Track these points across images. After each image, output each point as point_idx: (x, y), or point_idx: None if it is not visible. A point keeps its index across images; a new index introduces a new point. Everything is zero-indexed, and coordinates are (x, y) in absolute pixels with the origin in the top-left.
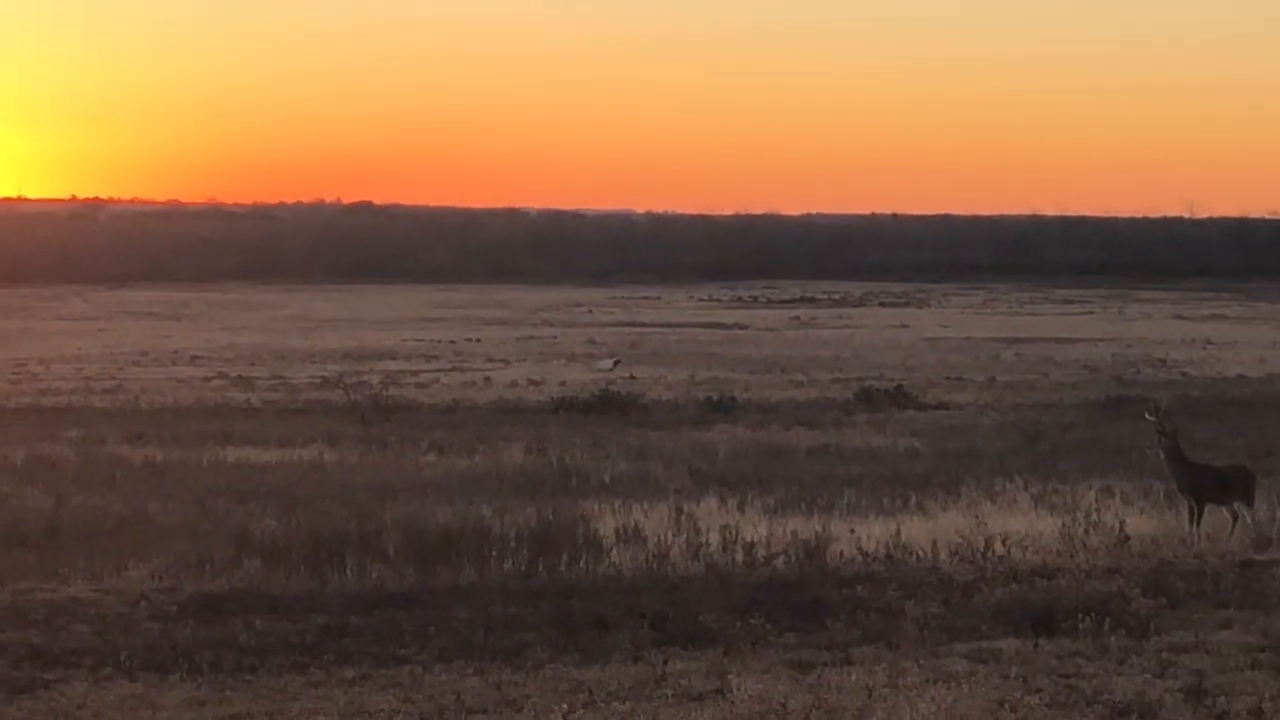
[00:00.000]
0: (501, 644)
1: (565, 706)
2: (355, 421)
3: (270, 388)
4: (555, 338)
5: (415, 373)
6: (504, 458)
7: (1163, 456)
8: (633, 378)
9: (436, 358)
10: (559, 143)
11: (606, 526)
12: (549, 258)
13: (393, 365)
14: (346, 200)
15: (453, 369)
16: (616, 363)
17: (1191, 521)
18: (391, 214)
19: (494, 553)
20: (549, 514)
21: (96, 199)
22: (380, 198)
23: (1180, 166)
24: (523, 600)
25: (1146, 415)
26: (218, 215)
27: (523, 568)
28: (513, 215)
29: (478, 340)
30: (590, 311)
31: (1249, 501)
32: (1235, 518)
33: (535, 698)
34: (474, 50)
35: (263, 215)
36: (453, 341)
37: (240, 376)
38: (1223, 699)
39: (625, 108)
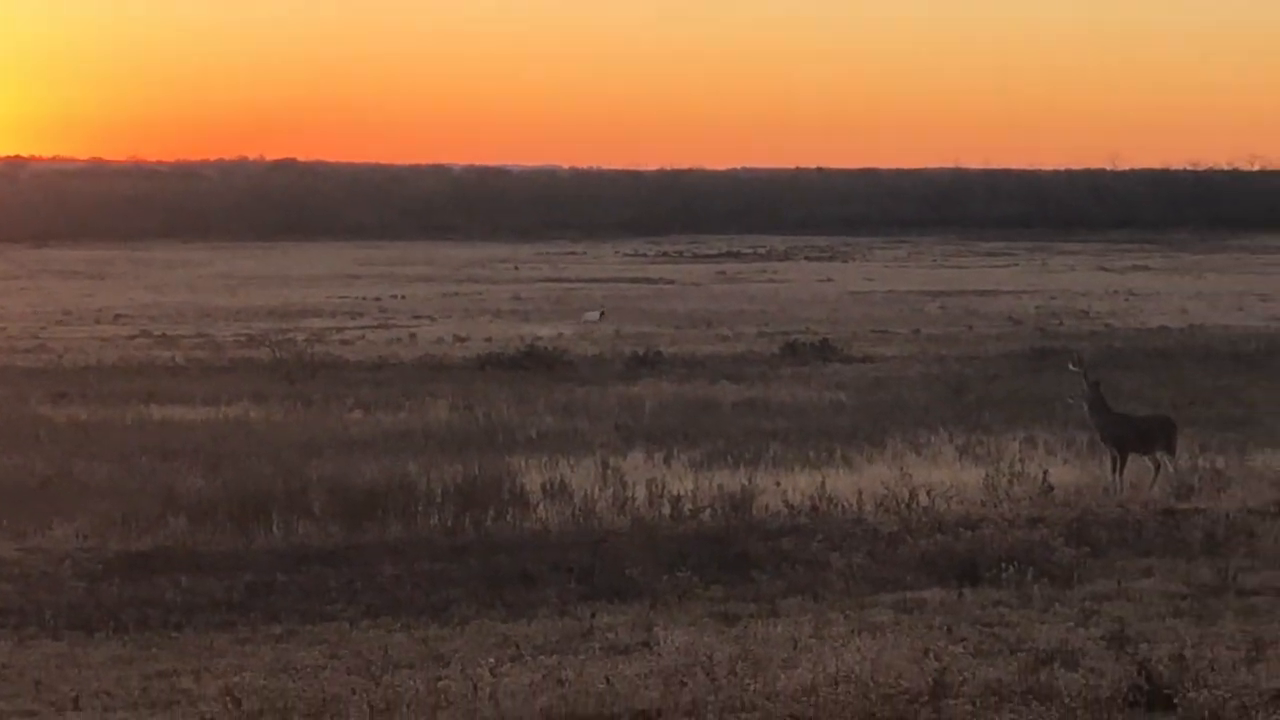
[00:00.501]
0: (428, 600)
1: (492, 661)
2: (281, 379)
3: (195, 346)
4: (481, 294)
5: (340, 330)
6: (430, 414)
7: (1086, 407)
8: (559, 333)
9: (362, 315)
10: (483, 99)
11: (533, 482)
12: (474, 214)
13: (318, 323)
14: (270, 157)
15: (378, 326)
16: (602, 314)
17: (1114, 471)
18: (316, 171)
19: (420, 509)
20: (475, 470)
21: (17, 157)
22: (304, 154)
23: (1102, 119)
24: (449, 556)
25: (1070, 366)
26: (140, 173)
27: (449, 524)
28: (437, 171)
29: (403, 297)
30: (516, 268)
31: (1171, 451)
32: (1157, 467)
33: (462, 652)
34: (398, 6)
35: (186, 173)
36: (378, 298)
37: (165, 335)
38: (1144, 646)
39: (549, 63)
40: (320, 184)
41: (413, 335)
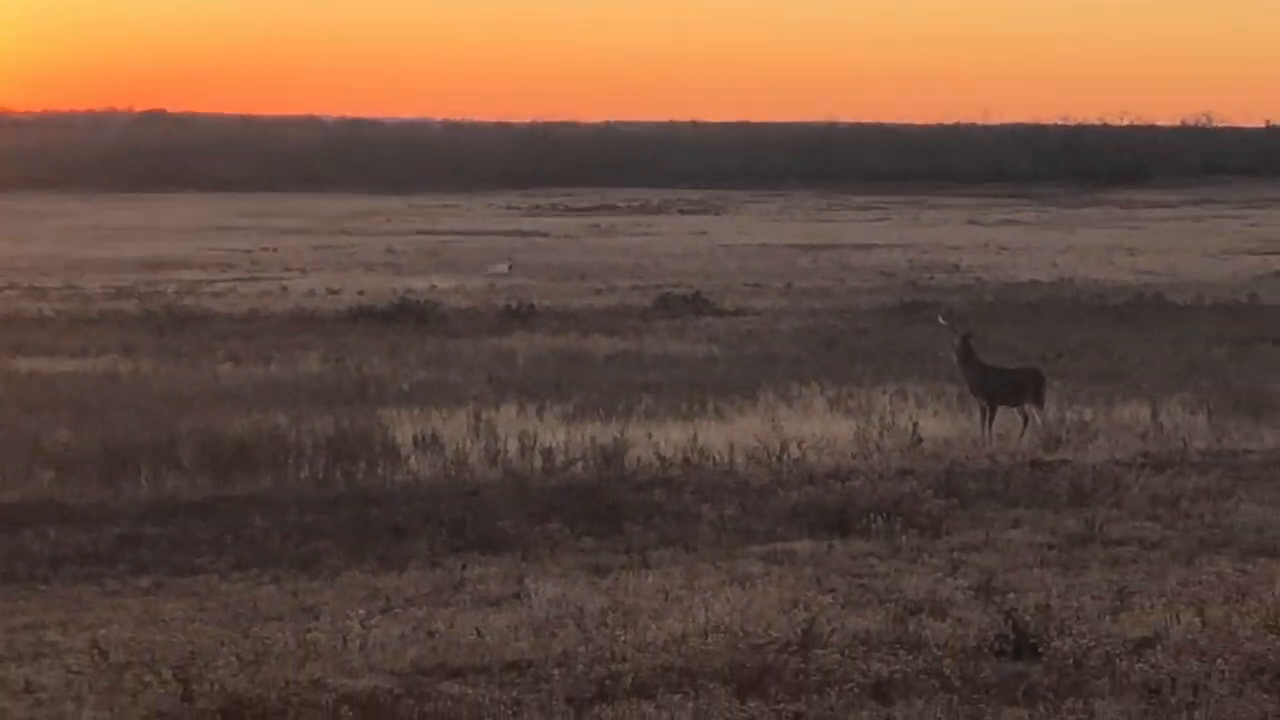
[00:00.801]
0: (298, 552)
1: (362, 613)
2: (150, 331)
3: (63, 298)
4: (353, 247)
5: (211, 282)
6: (301, 367)
7: (955, 360)
8: (432, 286)
9: (233, 267)
10: (355, 50)
11: (404, 434)
12: (346, 166)
13: (188, 275)
14: (140, 108)
15: (249, 278)
16: (510, 265)
17: (983, 423)
18: (186, 122)
19: (290, 461)
20: (346, 423)
21: None
22: (175, 106)
23: (974, 74)
24: (320, 508)
25: (940, 320)
26: (7, 123)
27: (320, 476)
28: (309, 123)
29: (274, 249)
30: (389, 220)
31: (1039, 403)
32: (1026, 419)
33: (332, 605)
34: None
35: (55, 123)
36: (249, 251)
37: (32, 286)
38: (1011, 596)
39: (422, 14)
40: (191, 135)
41: (284, 288)
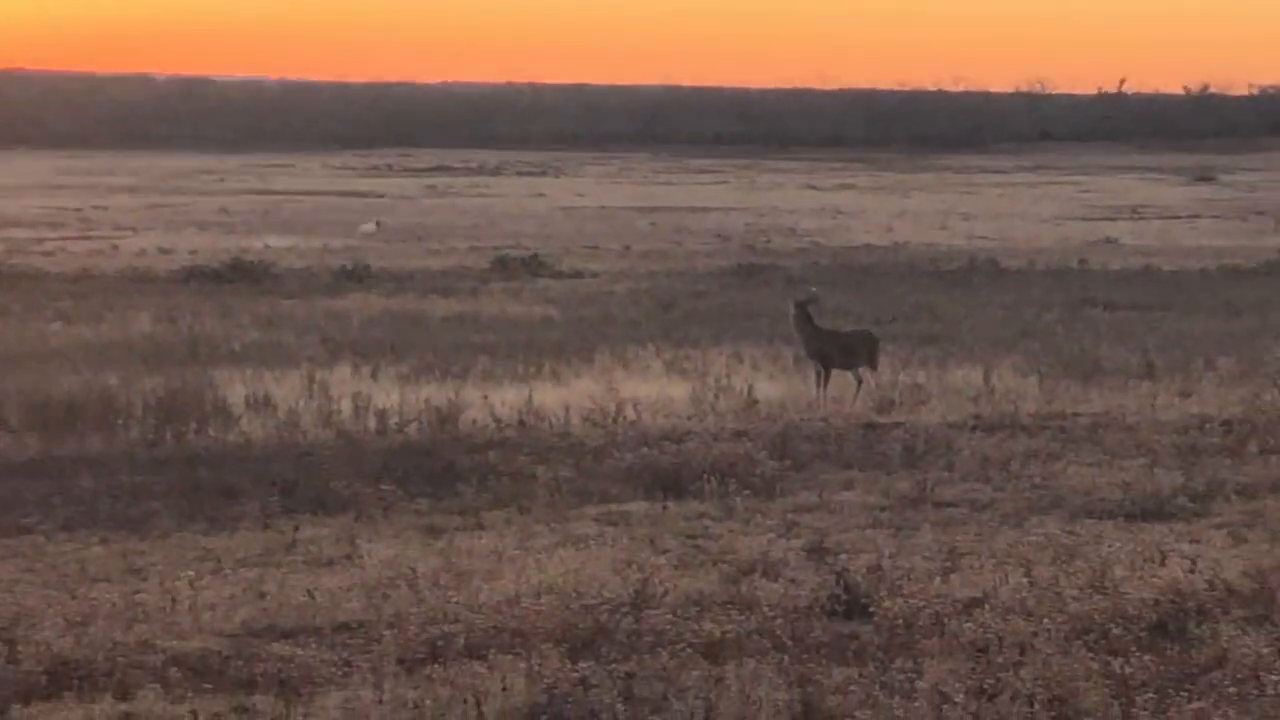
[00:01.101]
0: (128, 513)
1: (192, 574)
2: None
3: None
4: (186, 206)
5: (40, 241)
6: (132, 327)
7: (792, 318)
8: (265, 246)
9: (63, 225)
10: (189, 8)
11: (236, 395)
12: (179, 124)
13: (17, 233)
14: None
15: (80, 237)
16: (379, 224)
17: (818, 385)
18: (14, 78)
19: (121, 422)
20: (177, 383)
21: None
22: (2, 63)
23: (811, 39)
24: (150, 469)
25: (811, 290)
26: None
27: (150, 437)
28: (141, 81)
29: (105, 208)
30: (222, 179)
31: (873, 366)
32: (860, 382)
33: (161, 566)
34: None
35: None
36: (79, 209)
37: None
38: (844, 556)
39: None
40: (19, 92)
41: (115, 247)
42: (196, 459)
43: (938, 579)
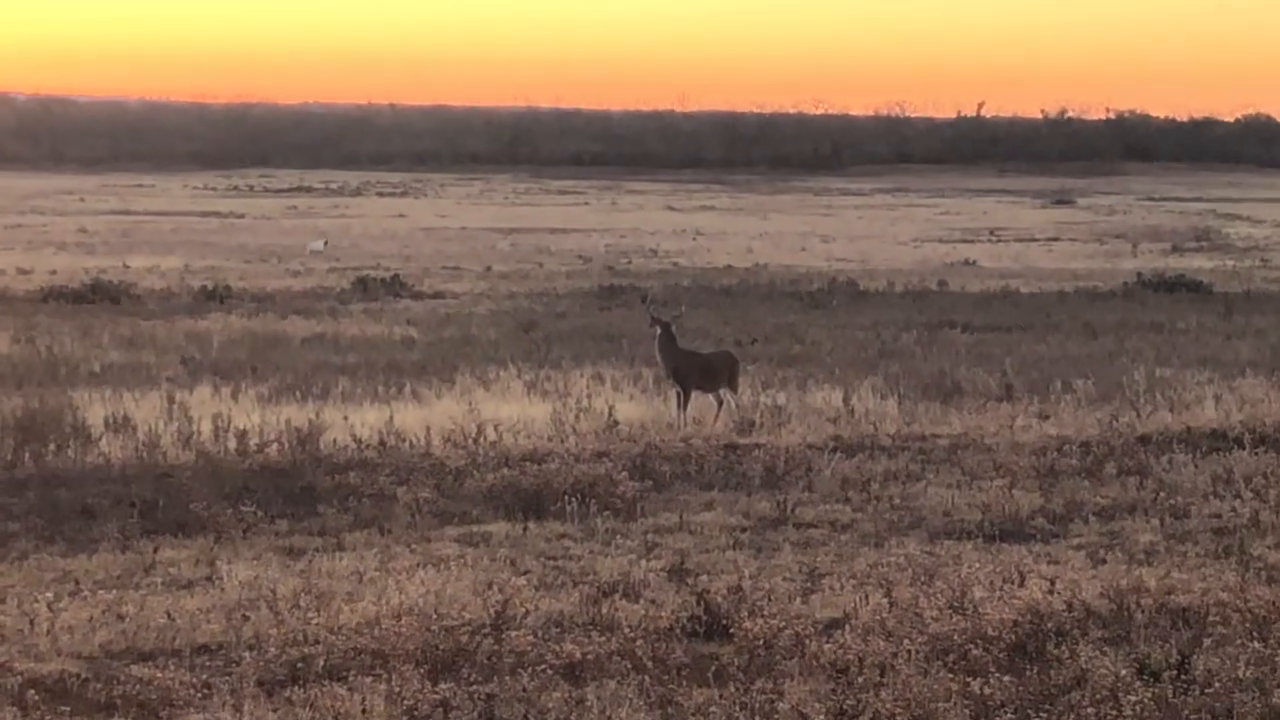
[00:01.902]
0: None
1: (50, 596)
2: None
3: None
4: (45, 226)
5: None
6: None
7: (656, 345)
8: (125, 267)
9: None
10: (48, 26)
11: (96, 416)
12: (38, 145)
13: None
14: None
15: None
16: (326, 243)
17: (679, 407)
18: None
19: None
20: (36, 403)
21: None
22: None
23: (670, 61)
24: (7, 490)
25: (649, 311)
26: None
27: (8, 458)
28: None
29: None
30: (82, 200)
31: (734, 387)
32: (720, 403)
33: (19, 588)
34: None
35: None
36: None
37: None
38: (704, 577)
39: None
40: None
41: None
42: (55, 480)
43: (798, 600)
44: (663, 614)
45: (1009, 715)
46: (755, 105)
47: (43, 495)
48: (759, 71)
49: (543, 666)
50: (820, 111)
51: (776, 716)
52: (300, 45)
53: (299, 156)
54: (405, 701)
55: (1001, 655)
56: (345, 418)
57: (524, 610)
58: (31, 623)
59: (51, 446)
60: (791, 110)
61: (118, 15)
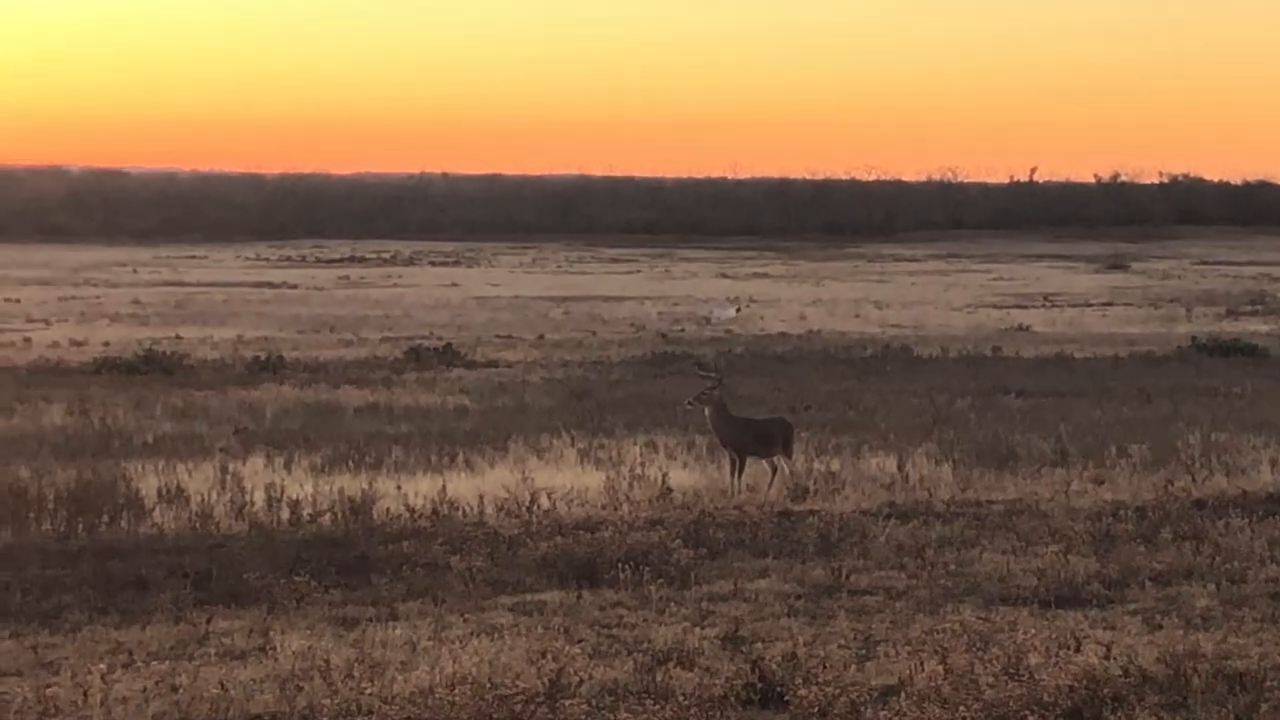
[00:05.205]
0: (39, 606)
1: (104, 667)
2: None
3: None
4: (98, 298)
5: None
6: (44, 419)
7: (707, 411)
8: (178, 338)
9: None
10: (102, 100)
11: (149, 487)
12: (91, 216)
13: None
14: None
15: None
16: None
17: (733, 474)
18: None
19: (32, 515)
20: (90, 475)
21: None
22: None
23: (723, 128)
24: (61, 562)
25: (698, 371)
26: None
27: (62, 529)
28: (53, 173)
29: (17, 300)
30: (135, 271)
31: (788, 454)
32: (775, 470)
33: (73, 659)
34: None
35: None
36: None
37: None
38: (759, 645)
39: (171, 66)
40: None
41: (27, 339)
42: (109, 551)
43: (853, 667)
44: (717, 682)
45: None
46: (808, 171)
47: (96, 566)
48: (811, 138)
49: None
50: (873, 177)
51: None
52: (352, 115)
53: (352, 226)
54: None
55: None
56: (398, 487)
57: (578, 679)
58: (85, 694)
59: (105, 518)
60: (844, 176)
61: (170, 88)
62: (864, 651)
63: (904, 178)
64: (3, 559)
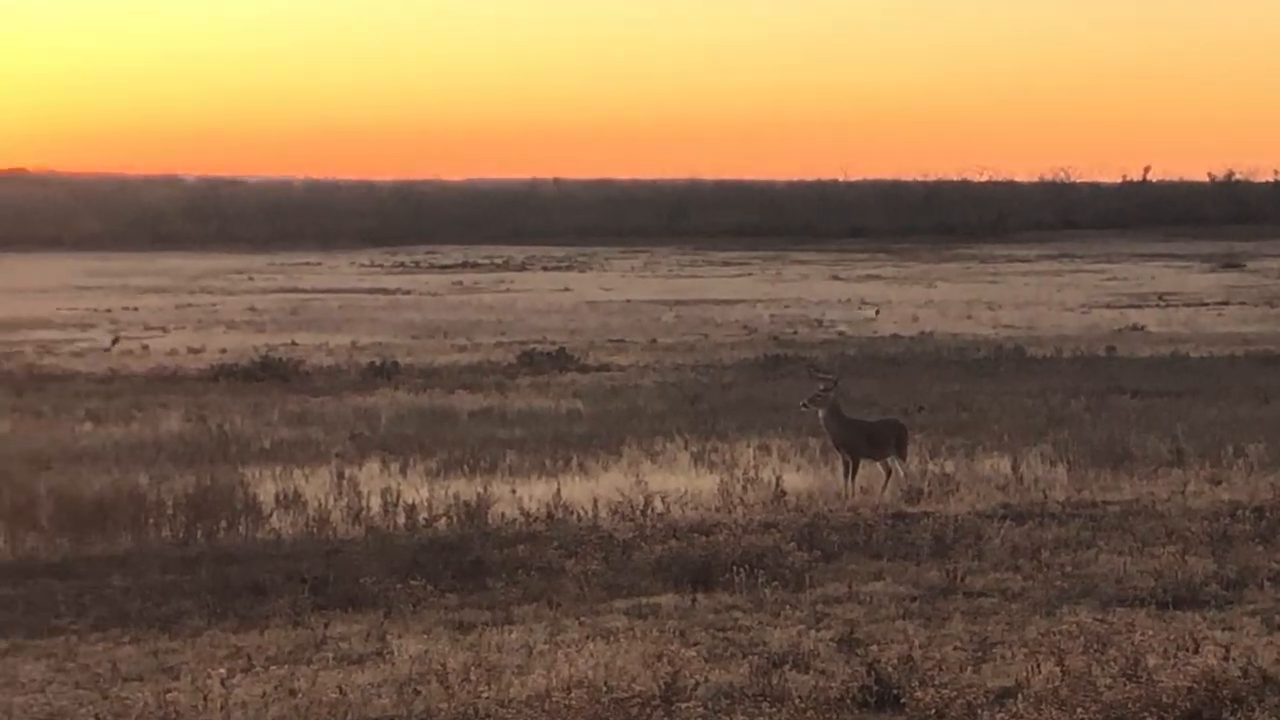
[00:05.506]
0: (158, 611)
1: (223, 672)
2: (9, 391)
3: None
4: (215, 305)
5: (71, 341)
6: (162, 426)
7: (821, 414)
8: (294, 344)
9: (93, 326)
10: (216, 109)
11: (266, 492)
12: (207, 225)
13: (47, 334)
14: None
15: (110, 337)
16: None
17: (846, 476)
18: (45, 181)
19: (151, 521)
20: (207, 481)
21: None
22: (34, 164)
23: (833, 130)
24: (180, 567)
25: (812, 373)
26: None
27: (180, 535)
28: (169, 182)
29: (135, 308)
30: (251, 278)
31: (902, 455)
32: (889, 472)
33: (192, 664)
34: (127, 14)
35: None
36: (109, 310)
37: None
38: (874, 647)
39: (283, 74)
40: (50, 194)
41: (145, 347)
42: (226, 557)
43: (969, 669)
44: (833, 684)
45: None
46: (919, 173)
47: (214, 572)
48: (922, 139)
49: None
50: (985, 178)
51: None
52: (465, 122)
53: (464, 232)
54: None
55: None
56: (513, 491)
57: (694, 682)
58: (205, 699)
59: (223, 524)
60: (955, 178)
61: (284, 97)
62: (980, 653)
63: (1016, 178)
64: (122, 565)
